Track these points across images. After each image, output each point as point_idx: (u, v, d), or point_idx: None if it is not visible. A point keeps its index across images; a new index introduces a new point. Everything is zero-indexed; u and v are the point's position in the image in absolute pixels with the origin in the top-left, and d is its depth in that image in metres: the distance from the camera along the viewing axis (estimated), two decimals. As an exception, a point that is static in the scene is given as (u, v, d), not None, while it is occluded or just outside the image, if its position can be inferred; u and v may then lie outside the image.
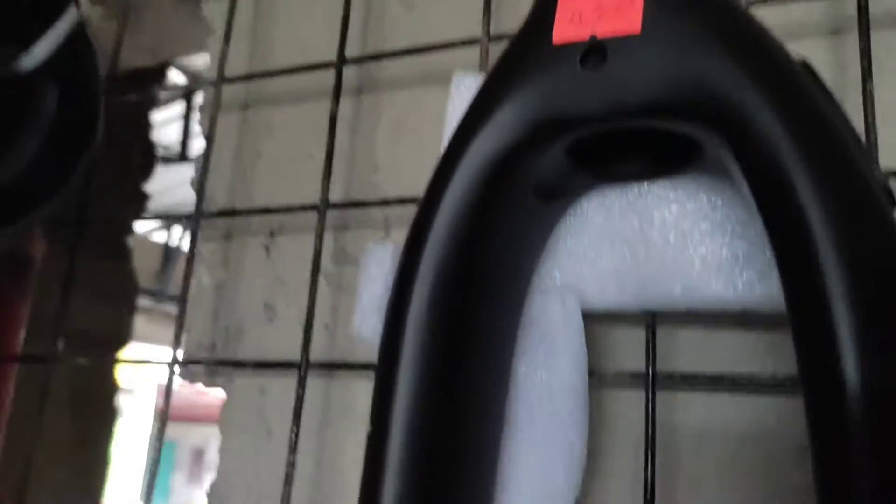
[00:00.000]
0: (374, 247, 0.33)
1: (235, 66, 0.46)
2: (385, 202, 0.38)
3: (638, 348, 0.31)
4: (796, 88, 0.22)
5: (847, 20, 0.32)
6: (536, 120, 0.25)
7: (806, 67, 0.24)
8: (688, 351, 0.32)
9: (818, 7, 0.33)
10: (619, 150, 0.28)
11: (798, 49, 0.24)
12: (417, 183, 0.28)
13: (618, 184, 0.30)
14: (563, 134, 0.26)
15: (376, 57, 0.40)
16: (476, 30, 0.37)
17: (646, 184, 0.29)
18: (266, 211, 0.42)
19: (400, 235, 0.32)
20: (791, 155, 0.21)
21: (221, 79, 0.43)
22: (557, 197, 0.29)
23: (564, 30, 0.26)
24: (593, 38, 0.25)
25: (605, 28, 0.25)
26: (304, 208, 0.39)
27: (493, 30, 0.37)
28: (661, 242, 0.29)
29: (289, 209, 0.41)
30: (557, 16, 0.26)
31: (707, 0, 0.24)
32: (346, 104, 0.42)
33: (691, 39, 0.24)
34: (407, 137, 0.41)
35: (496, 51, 0.38)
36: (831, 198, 0.21)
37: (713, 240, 0.28)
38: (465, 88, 0.34)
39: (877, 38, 0.29)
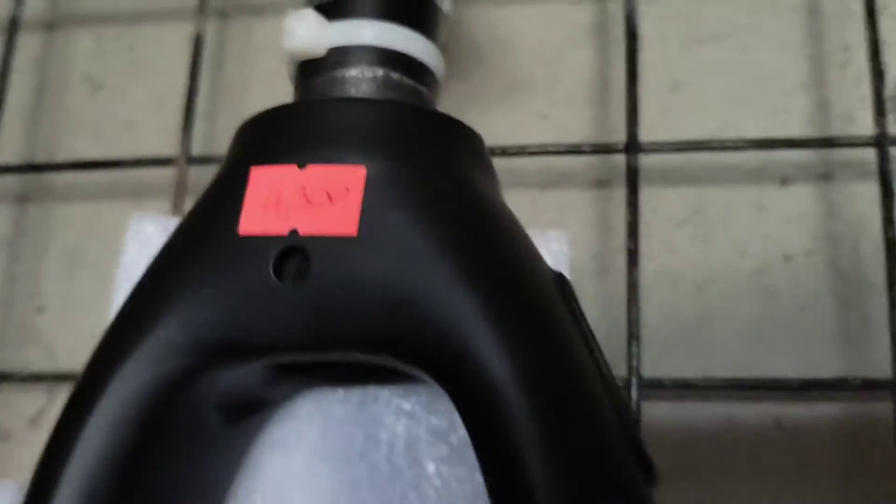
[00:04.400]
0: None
1: None
2: (39, 377, 0.28)
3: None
4: (542, 332, 0.17)
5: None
6: (210, 345, 0.18)
7: (561, 282, 0.19)
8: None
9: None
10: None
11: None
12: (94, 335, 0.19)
13: (338, 386, 0.23)
14: (251, 361, 0.19)
15: (39, 168, 0.31)
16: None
17: (373, 389, 0.23)
18: None
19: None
20: (527, 430, 0.16)
21: None
22: (252, 412, 0.22)
23: (256, 217, 0.19)
24: (293, 234, 0.18)
25: (312, 222, 0.18)
26: None
27: (197, 149, 0.29)
28: (388, 468, 0.23)
29: None
30: (248, 193, 0.19)
31: (449, 199, 0.19)
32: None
33: (419, 253, 0.18)
34: (84, 270, 0.31)
35: (198, 177, 0.30)
36: (568, 484, 0.16)
37: (451, 470, 0.22)
38: (144, 238, 0.25)
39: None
